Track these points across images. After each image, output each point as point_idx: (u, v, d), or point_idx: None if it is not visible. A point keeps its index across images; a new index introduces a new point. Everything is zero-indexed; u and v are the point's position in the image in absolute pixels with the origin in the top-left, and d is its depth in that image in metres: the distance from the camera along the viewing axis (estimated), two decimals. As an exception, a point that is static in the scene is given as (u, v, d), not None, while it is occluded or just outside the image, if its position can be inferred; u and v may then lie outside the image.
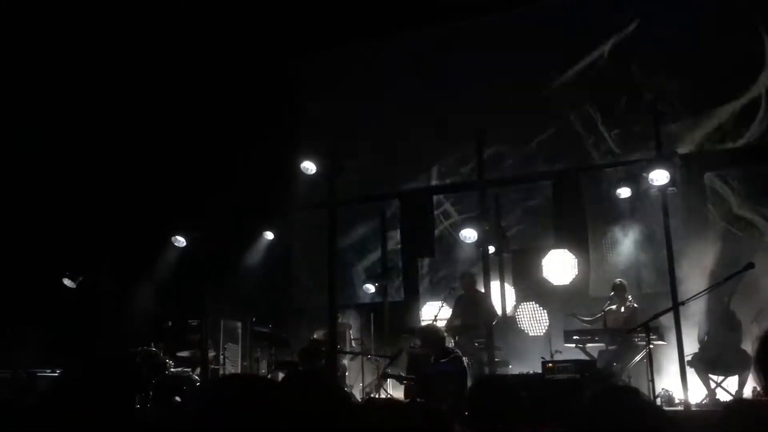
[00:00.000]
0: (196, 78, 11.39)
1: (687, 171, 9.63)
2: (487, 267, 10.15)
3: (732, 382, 8.38)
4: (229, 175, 11.44)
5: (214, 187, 11.20)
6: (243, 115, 11.76)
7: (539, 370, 8.38)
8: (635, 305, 9.42)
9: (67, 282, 10.83)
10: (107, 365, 2.85)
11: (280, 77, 12.71)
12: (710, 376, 8.45)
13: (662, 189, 8.47)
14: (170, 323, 10.60)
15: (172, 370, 9.98)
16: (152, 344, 9.93)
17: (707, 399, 8.34)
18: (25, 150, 10.83)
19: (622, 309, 9.49)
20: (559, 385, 7.73)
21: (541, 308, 10.95)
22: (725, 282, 7.59)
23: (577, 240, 11.06)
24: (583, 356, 8.99)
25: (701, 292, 7.67)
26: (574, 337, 9.06)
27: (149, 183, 11.29)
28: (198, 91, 11.39)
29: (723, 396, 8.36)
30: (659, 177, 8.50)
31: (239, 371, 10.72)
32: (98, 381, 2.82)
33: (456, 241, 11.06)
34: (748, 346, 8.36)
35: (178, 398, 9.16)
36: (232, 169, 11.54)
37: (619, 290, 9.53)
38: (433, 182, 12.28)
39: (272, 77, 12.50)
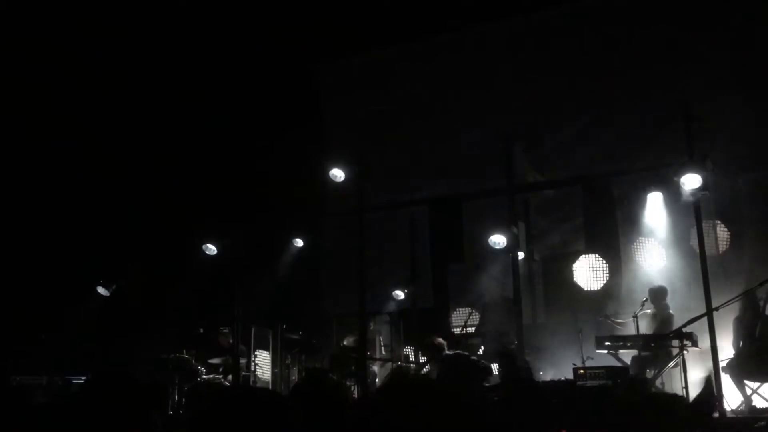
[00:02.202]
0: (227, 87, 11.50)
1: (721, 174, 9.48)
2: (516, 273, 10.15)
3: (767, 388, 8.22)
4: (259, 182, 11.53)
5: (245, 194, 11.30)
6: (273, 123, 11.84)
7: (571, 376, 8.32)
8: (671, 312, 9.30)
9: (101, 290, 11.00)
10: (120, 376, 2.89)
11: (308, 84, 12.79)
12: (746, 382, 8.30)
13: (694, 193, 8.37)
14: (202, 330, 10.70)
15: (204, 377, 10.07)
16: (184, 351, 10.03)
17: (743, 406, 8.19)
18: (60, 161, 11.02)
19: (658, 314, 9.38)
20: (591, 392, 7.64)
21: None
22: (760, 287, 7.46)
23: (609, 245, 10.95)
24: (615, 362, 8.89)
25: (734, 298, 7.55)
26: (606, 343, 8.96)
27: (181, 191, 11.42)
28: (229, 99, 11.51)
29: (759, 402, 8.20)
30: (692, 181, 8.42)
31: (270, 378, 10.78)
32: (112, 392, 2.86)
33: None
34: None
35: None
36: (262, 177, 11.63)
37: (658, 296, 9.42)
38: (462, 188, 12.22)
39: (301, 84, 12.58)
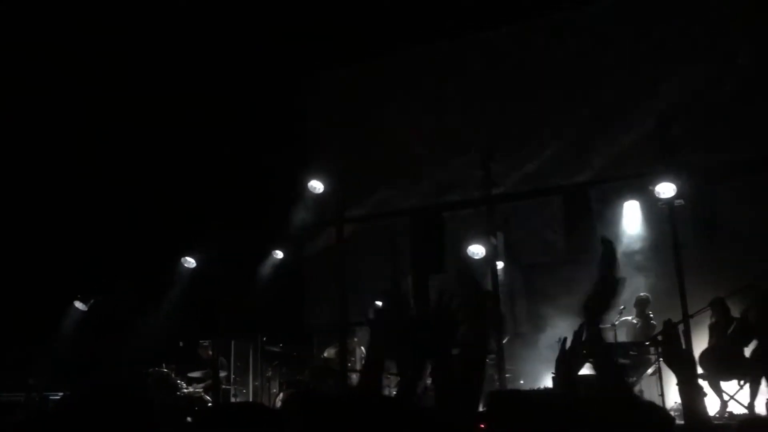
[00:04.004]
0: (209, 100, 11.48)
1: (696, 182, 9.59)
2: (495, 283, 10.18)
3: (744, 395, 8.30)
4: (237, 195, 11.50)
5: (223, 207, 11.26)
6: (253, 135, 11.84)
7: (551, 386, 8.35)
8: (653, 322, 9.39)
9: (78, 304, 10.91)
10: (105, 389, 2.88)
11: (288, 97, 12.80)
12: (722, 387, 8.38)
13: (669, 202, 8.47)
14: (181, 344, 10.64)
15: (184, 390, 10.02)
16: (164, 365, 9.98)
17: (720, 411, 8.27)
18: (37, 173, 10.93)
19: (640, 323, 9.47)
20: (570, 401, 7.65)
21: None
22: (735, 294, 7.56)
23: (587, 254, 11.01)
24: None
25: (705, 307, 7.64)
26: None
27: (159, 204, 11.37)
28: (211, 112, 11.48)
29: (736, 408, 8.28)
30: (666, 190, 8.52)
31: (250, 391, 10.74)
32: (94, 405, 2.85)
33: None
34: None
35: (189, 419, 9.17)
36: (241, 189, 11.61)
37: (642, 304, 9.51)
38: (442, 199, 12.26)
39: (282, 96, 12.59)
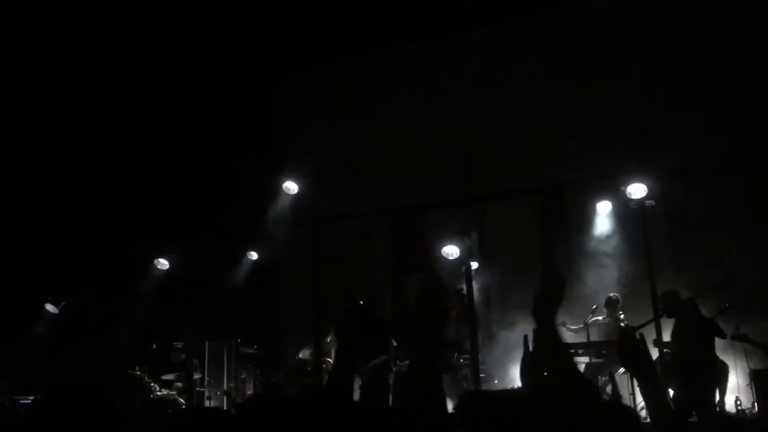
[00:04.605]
0: (181, 97, 11.39)
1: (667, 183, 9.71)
2: (470, 283, 10.22)
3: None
4: (212, 196, 11.44)
5: (197, 208, 11.20)
6: (226, 136, 11.77)
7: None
8: (625, 322, 9.46)
9: (49, 307, 10.78)
10: (77, 393, 2.84)
11: (263, 97, 12.75)
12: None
13: (640, 202, 8.56)
14: (155, 346, 10.55)
15: (158, 393, 9.94)
16: (137, 368, 9.89)
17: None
18: (6, 174, 10.78)
19: (611, 323, 9.54)
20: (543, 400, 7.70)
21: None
22: (706, 293, 7.66)
23: (561, 253, 11.07)
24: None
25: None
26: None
27: (131, 205, 11.27)
28: (183, 110, 11.40)
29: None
30: (637, 190, 8.61)
31: (225, 393, 10.68)
32: (66, 409, 2.82)
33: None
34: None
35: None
36: (215, 190, 11.54)
37: (612, 305, 9.57)
38: (418, 199, 12.27)
39: (256, 97, 12.54)
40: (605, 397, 8.16)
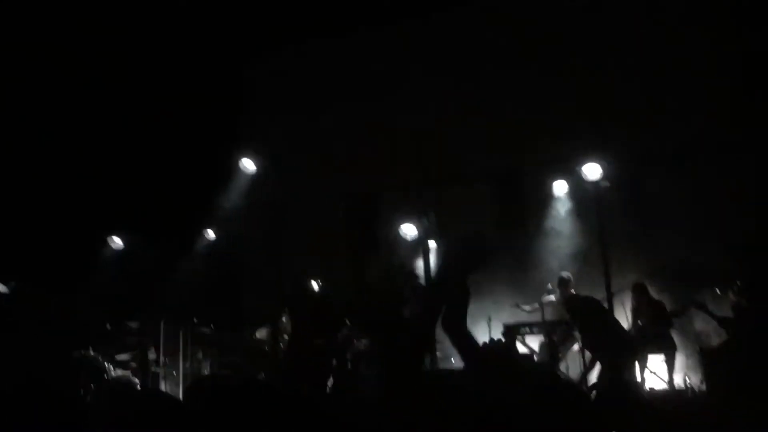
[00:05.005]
0: (133, 73, 11.16)
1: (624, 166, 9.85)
2: (427, 263, 10.29)
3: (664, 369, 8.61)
4: (168, 173, 11.27)
5: (153, 185, 11.02)
6: (185, 112, 11.59)
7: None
8: (576, 300, 9.61)
9: (-1, 287, 10.52)
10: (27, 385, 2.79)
11: (222, 76, 12.57)
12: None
13: (595, 183, 8.67)
14: (109, 326, 10.38)
15: (112, 374, 9.80)
16: (90, 349, 9.72)
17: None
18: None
19: (562, 302, 9.67)
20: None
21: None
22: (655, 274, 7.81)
23: (518, 234, 11.19)
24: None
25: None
26: (511, 330, 9.19)
27: (85, 182, 11.04)
28: (135, 87, 11.17)
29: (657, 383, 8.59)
30: (592, 171, 8.72)
31: (180, 374, 10.57)
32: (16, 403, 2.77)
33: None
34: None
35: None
36: (172, 169, 11.37)
37: (565, 284, 9.70)
38: (377, 180, 12.26)
39: (214, 76, 12.35)
40: (559, 374, 8.33)
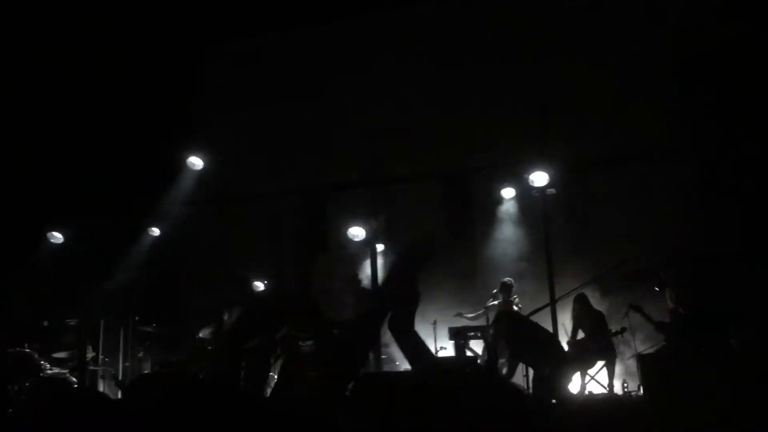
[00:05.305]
0: (74, 66, 10.88)
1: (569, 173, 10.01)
2: (374, 265, 10.29)
3: (603, 376, 8.76)
4: (112, 167, 11.01)
5: (97, 180, 10.76)
6: (128, 107, 11.34)
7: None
8: (520, 306, 9.72)
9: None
10: None
11: (171, 69, 12.33)
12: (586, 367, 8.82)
13: (541, 190, 8.80)
14: (46, 323, 10.11)
15: (48, 372, 9.54)
16: (26, 345, 9.45)
17: (580, 391, 8.71)
18: None
19: (506, 308, 9.77)
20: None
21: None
22: (595, 281, 7.94)
23: (466, 238, 11.27)
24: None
25: (571, 291, 8.00)
26: (458, 334, 9.26)
27: (24, 175, 10.72)
28: (77, 79, 10.89)
29: (596, 388, 8.74)
30: (539, 179, 8.84)
31: (120, 372, 10.37)
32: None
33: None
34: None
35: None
36: (117, 163, 11.12)
37: (506, 289, 9.81)
38: (326, 180, 12.21)
39: (162, 68, 12.12)
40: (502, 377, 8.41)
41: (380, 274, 10.76)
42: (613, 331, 8.72)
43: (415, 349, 5.87)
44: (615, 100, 10.02)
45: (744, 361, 6.54)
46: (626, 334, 8.84)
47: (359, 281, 10.25)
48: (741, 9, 9.56)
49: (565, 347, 8.87)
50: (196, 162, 10.64)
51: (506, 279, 9.87)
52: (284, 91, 11.92)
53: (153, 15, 10.95)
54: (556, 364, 7.24)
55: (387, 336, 9.95)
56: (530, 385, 7.84)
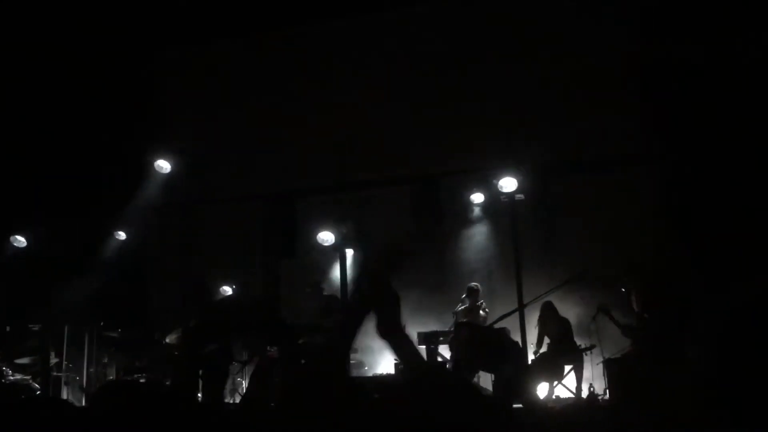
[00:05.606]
0: (38, 67, 10.71)
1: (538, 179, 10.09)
2: (343, 270, 10.28)
3: (571, 379, 8.84)
4: (78, 170, 10.85)
5: (62, 184, 10.59)
6: (94, 110, 11.19)
7: (393, 372, 8.56)
8: (486, 310, 9.77)
9: None
10: None
11: (139, 71, 12.20)
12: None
13: (510, 196, 8.87)
14: (8, 328, 9.92)
15: (10, 378, 9.37)
16: (-13, 351, 9.28)
17: (547, 396, 8.77)
18: None
19: (473, 312, 9.82)
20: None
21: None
22: (562, 286, 8.02)
23: (435, 243, 11.30)
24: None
25: (540, 296, 8.07)
26: (427, 339, 9.27)
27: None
28: (44, 79, 10.72)
29: (563, 393, 8.81)
30: (508, 184, 8.91)
31: (84, 378, 10.21)
32: None
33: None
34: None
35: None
36: (82, 166, 10.96)
37: (473, 294, 9.85)
38: (295, 185, 12.16)
39: (130, 71, 11.98)
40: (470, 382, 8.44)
41: (350, 278, 10.76)
42: (583, 347, 8.80)
43: (407, 349, 5.86)
44: (584, 106, 10.14)
45: (700, 366, 6.66)
46: (593, 338, 8.92)
47: (321, 289, 10.21)
48: (703, 20, 9.73)
49: (531, 356, 8.97)
50: (163, 165, 10.52)
51: (472, 284, 9.92)
52: (253, 94, 11.85)
53: (120, 16, 10.83)
54: (517, 367, 7.33)
55: (357, 341, 9.98)
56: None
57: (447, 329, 9.71)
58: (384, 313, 3.79)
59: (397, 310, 4.40)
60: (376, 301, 3.82)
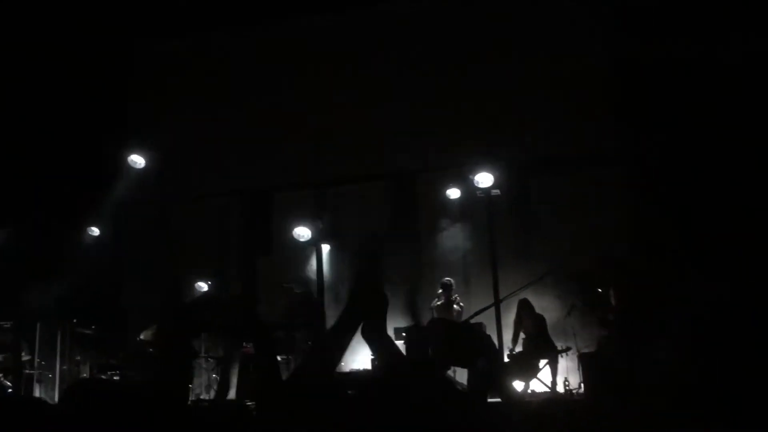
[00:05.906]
0: (12, 62, 10.55)
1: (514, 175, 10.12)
2: (320, 266, 10.25)
3: (546, 374, 8.89)
4: (51, 165, 10.70)
5: (34, 177, 10.45)
6: (66, 105, 11.04)
7: (369, 367, 8.57)
8: (461, 305, 9.79)
9: None
10: None
11: (109, 67, 12.05)
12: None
13: (486, 191, 8.89)
14: (-21, 325, 9.77)
15: (-20, 376, 9.24)
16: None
17: (524, 389, 8.83)
18: None
19: (448, 307, 9.84)
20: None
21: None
22: (534, 283, 8.08)
23: (412, 239, 11.31)
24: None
25: (515, 291, 8.10)
26: (403, 334, 9.27)
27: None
28: (12, 72, 10.56)
29: (539, 387, 8.87)
30: (484, 180, 8.93)
31: (57, 376, 10.08)
32: None
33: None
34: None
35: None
36: (55, 160, 10.81)
37: (447, 289, 9.87)
38: (271, 181, 12.10)
39: (105, 65, 11.84)
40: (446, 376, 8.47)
41: (326, 273, 10.75)
42: (560, 348, 8.86)
43: (389, 350, 5.87)
44: (560, 104, 10.19)
45: (677, 360, 6.74)
46: (569, 337, 8.98)
47: (291, 288, 10.15)
48: (680, 19, 9.83)
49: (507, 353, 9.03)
50: (137, 160, 10.41)
51: (446, 279, 9.92)
52: (229, 90, 11.78)
53: (94, 10, 10.70)
54: (491, 361, 7.37)
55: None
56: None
57: (421, 324, 9.72)
58: (371, 317, 3.79)
59: (384, 314, 4.39)
60: (366, 303, 3.80)
